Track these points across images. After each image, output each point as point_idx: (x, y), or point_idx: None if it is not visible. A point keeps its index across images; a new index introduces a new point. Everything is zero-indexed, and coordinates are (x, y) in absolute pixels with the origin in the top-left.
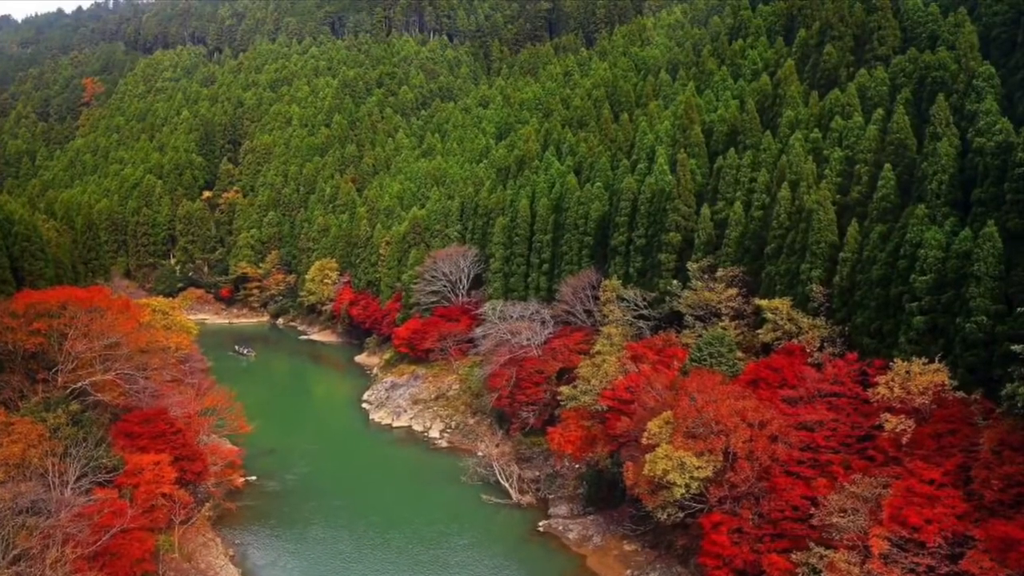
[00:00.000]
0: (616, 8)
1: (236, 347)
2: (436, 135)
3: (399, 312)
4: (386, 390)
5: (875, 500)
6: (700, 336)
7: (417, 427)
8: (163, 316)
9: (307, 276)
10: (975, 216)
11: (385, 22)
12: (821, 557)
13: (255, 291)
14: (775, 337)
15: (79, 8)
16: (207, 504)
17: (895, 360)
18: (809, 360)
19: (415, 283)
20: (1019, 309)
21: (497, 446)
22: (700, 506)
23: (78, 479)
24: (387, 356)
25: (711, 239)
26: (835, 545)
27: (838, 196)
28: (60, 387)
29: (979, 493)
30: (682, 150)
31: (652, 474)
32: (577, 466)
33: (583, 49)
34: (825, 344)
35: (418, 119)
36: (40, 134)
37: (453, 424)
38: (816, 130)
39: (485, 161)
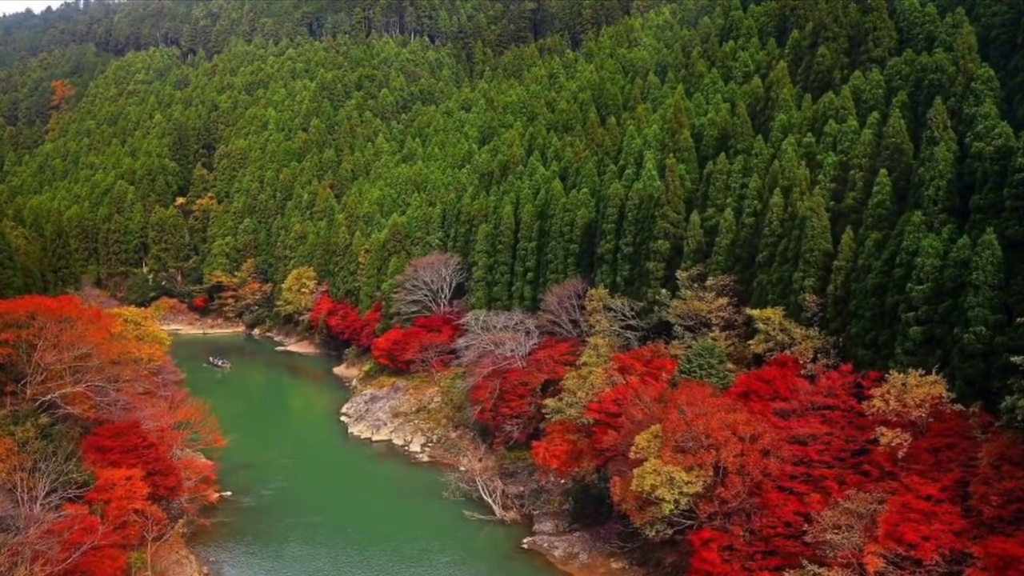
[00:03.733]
0: (603, 8)
1: (211, 358)
2: (417, 139)
3: (379, 322)
4: (365, 403)
5: (870, 516)
6: (689, 347)
7: (397, 441)
8: (135, 326)
9: (284, 285)
10: (973, 223)
11: (364, 23)
12: (815, 575)
13: (230, 300)
14: (767, 348)
15: (48, 8)
16: (181, 520)
17: (891, 372)
18: (802, 372)
19: (395, 292)
20: (1019, 319)
21: (480, 460)
22: (690, 522)
23: (47, 495)
24: (366, 368)
25: (701, 247)
26: (829, 563)
27: (832, 202)
28: (29, 400)
29: (977, 509)
30: (671, 155)
31: (640, 489)
32: (563, 481)
33: (569, 51)
34: (819, 355)
35: (399, 123)
36: (8, 138)
37: (434, 438)
38: (809, 134)
39: (468, 166)
